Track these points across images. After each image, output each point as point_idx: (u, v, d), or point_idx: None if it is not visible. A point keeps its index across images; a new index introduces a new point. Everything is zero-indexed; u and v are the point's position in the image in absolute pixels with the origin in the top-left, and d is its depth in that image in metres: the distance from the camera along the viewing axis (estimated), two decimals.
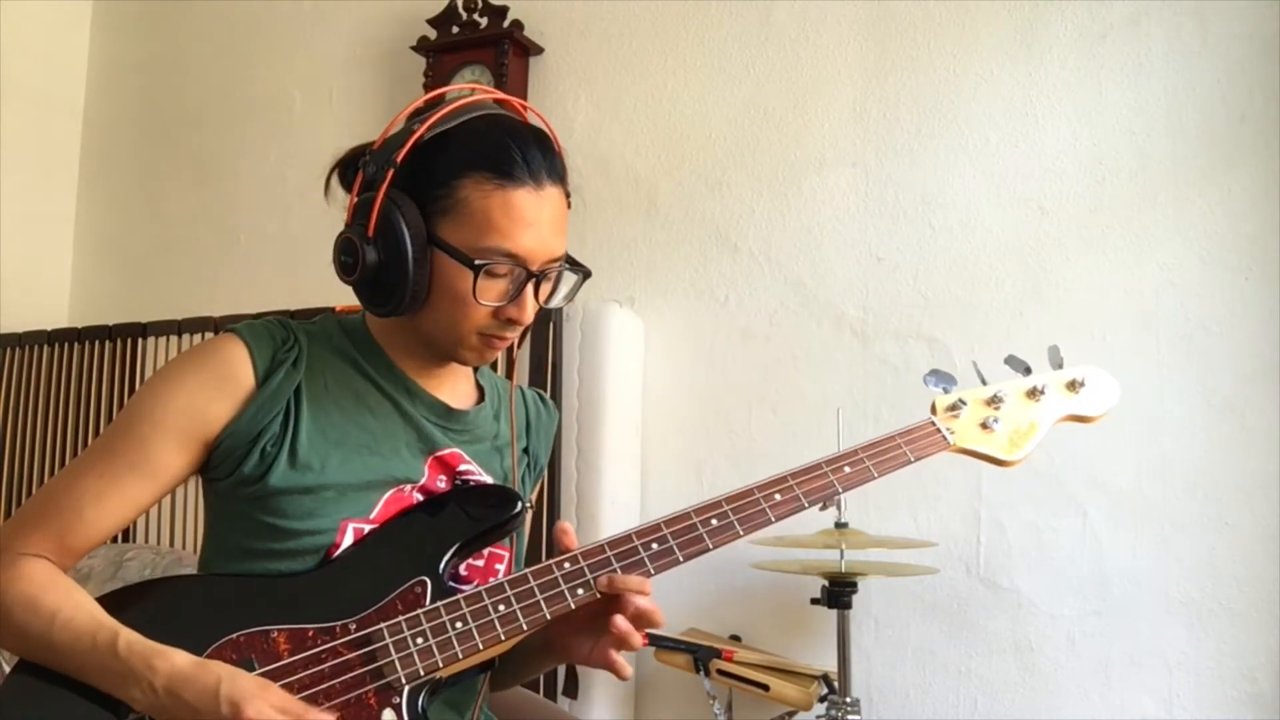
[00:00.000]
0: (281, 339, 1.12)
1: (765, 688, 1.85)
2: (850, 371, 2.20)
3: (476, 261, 1.05)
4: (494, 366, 1.31)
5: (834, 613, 1.88)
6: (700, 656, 1.87)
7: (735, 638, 2.09)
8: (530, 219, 1.07)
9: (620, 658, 1.07)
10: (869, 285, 2.21)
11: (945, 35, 2.19)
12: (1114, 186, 2.04)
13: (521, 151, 1.07)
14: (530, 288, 1.08)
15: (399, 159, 1.07)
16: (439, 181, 1.07)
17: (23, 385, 2.81)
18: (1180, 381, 1.95)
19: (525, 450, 1.27)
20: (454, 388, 1.21)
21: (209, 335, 2.53)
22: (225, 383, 1.08)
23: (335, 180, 1.18)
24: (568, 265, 1.13)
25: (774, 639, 2.09)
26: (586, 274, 1.15)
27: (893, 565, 1.97)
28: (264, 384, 1.08)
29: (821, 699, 1.87)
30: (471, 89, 1.14)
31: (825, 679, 1.89)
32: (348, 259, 1.08)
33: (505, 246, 1.06)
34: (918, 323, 2.16)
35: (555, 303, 1.15)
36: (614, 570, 1.07)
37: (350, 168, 1.15)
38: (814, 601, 1.90)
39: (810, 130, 2.30)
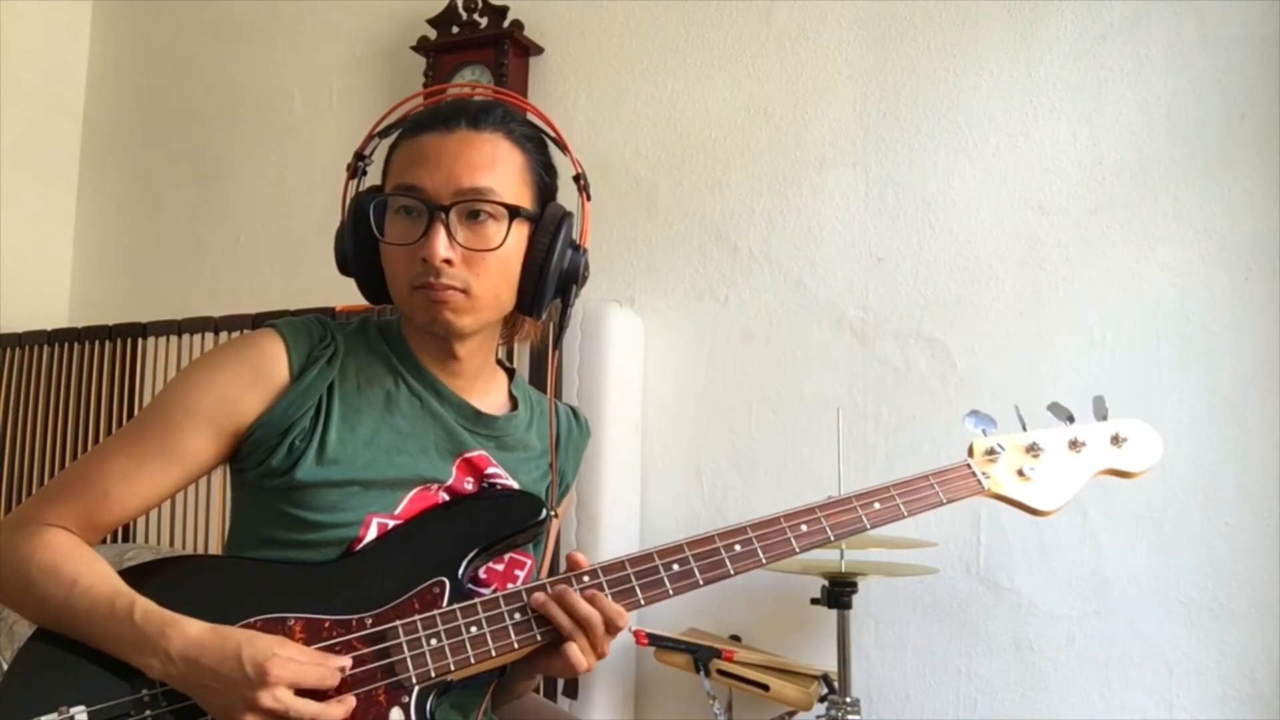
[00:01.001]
0: (319, 336, 1.14)
1: (765, 688, 1.85)
2: (850, 371, 2.20)
3: (376, 199, 1.11)
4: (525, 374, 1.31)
5: (834, 613, 1.88)
6: (700, 656, 1.87)
7: (735, 638, 2.09)
8: (431, 155, 1.09)
9: (574, 651, 1.04)
10: (869, 285, 2.21)
11: (945, 35, 2.19)
12: (1114, 186, 2.04)
13: (443, 109, 1.12)
14: (440, 226, 1.07)
15: (363, 150, 1.17)
16: (387, 158, 1.15)
17: (23, 385, 2.81)
18: (1180, 381, 1.95)
19: (551, 464, 1.27)
20: (485, 395, 1.22)
21: (209, 335, 2.55)
22: (260, 376, 1.10)
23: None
24: (487, 201, 1.08)
25: (774, 639, 2.09)
26: (514, 211, 1.10)
27: (893, 565, 1.97)
28: (298, 379, 1.10)
29: (821, 699, 1.87)
30: (471, 87, 1.16)
31: (825, 679, 1.89)
32: (335, 250, 1.17)
33: (403, 181, 1.10)
34: (918, 323, 2.16)
35: (499, 245, 1.09)
36: (633, 587, 1.07)
37: None
38: (814, 601, 1.90)
39: (810, 130, 2.30)
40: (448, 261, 1.07)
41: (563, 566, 1.11)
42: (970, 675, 2.04)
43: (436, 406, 1.16)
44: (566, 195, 1.22)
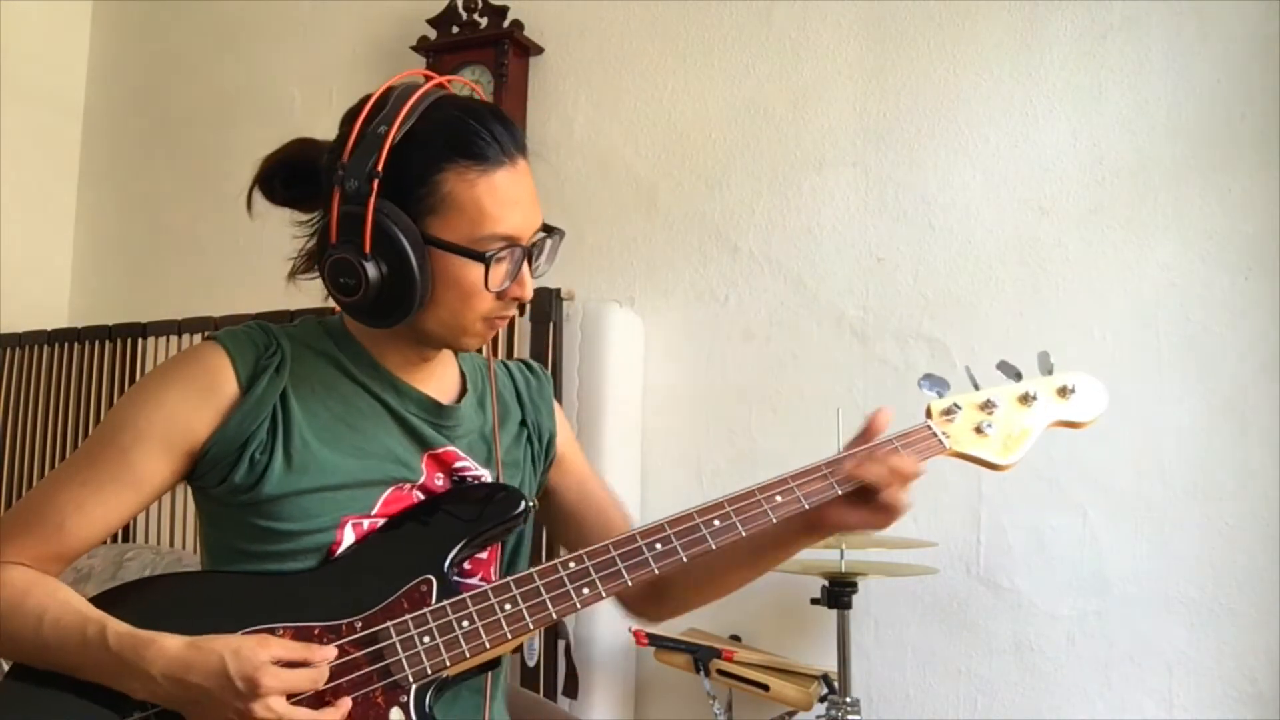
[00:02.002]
0: (264, 345, 1.11)
1: (765, 688, 1.85)
2: (850, 371, 2.20)
3: (486, 253, 1.05)
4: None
5: (834, 613, 1.88)
6: (700, 656, 1.87)
7: (735, 638, 2.09)
8: (515, 197, 1.08)
9: (894, 494, 1.12)
10: (869, 285, 2.21)
11: (945, 35, 2.19)
12: (1114, 186, 2.04)
13: (488, 130, 1.07)
14: (528, 266, 1.10)
15: (379, 168, 1.03)
16: (419, 180, 1.05)
17: (23, 385, 2.81)
18: (1180, 381, 1.95)
19: (524, 423, 1.26)
20: (441, 381, 1.20)
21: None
22: (208, 391, 1.07)
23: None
24: (547, 232, 1.14)
25: (774, 639, 2.10)
26: (561, 234, 1.15)
27: (893, 565, 1.97)
28: (248, 391, 1.07)
29: (821, 699, 1.87)
30: (425, 75, 1.15)
31: (825, 679, 1.89)
32: (348, 280, 1.05)
33: (501, 231, 1.06)
34: (918, 323, 2.16)
35: (541, 270, 1.15)
36: (619, 569, 1.07)
37: (294, 177, 1.14)
38: (814, 601, 1.90)
39: (810, 130, 2.30)
40: None
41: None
42: (970, 675, 2.04)
43: (397, 406, 1.14)
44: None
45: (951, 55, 2.19)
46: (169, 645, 0.96)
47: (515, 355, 2.18)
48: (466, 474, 1.17)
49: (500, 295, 1.08)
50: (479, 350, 1.21)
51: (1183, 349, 1.96)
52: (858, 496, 1.13)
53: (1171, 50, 2.02)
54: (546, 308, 2.18)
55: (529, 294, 1.11)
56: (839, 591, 1.86)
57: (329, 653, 0.99)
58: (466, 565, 1.14)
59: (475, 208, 1.05)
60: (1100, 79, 2.07)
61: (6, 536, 1.06)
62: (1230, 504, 1.90)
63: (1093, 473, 1.99)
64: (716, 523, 1.12)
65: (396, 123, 1.05)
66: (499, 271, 1.07)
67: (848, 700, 1.84)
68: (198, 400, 1.07)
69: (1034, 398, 1.21)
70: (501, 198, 1.06)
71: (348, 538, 1.08)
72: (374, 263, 1.04)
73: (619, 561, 1.08)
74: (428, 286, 1.06)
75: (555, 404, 1.33)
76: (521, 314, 1.24)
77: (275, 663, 0.95)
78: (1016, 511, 2.04)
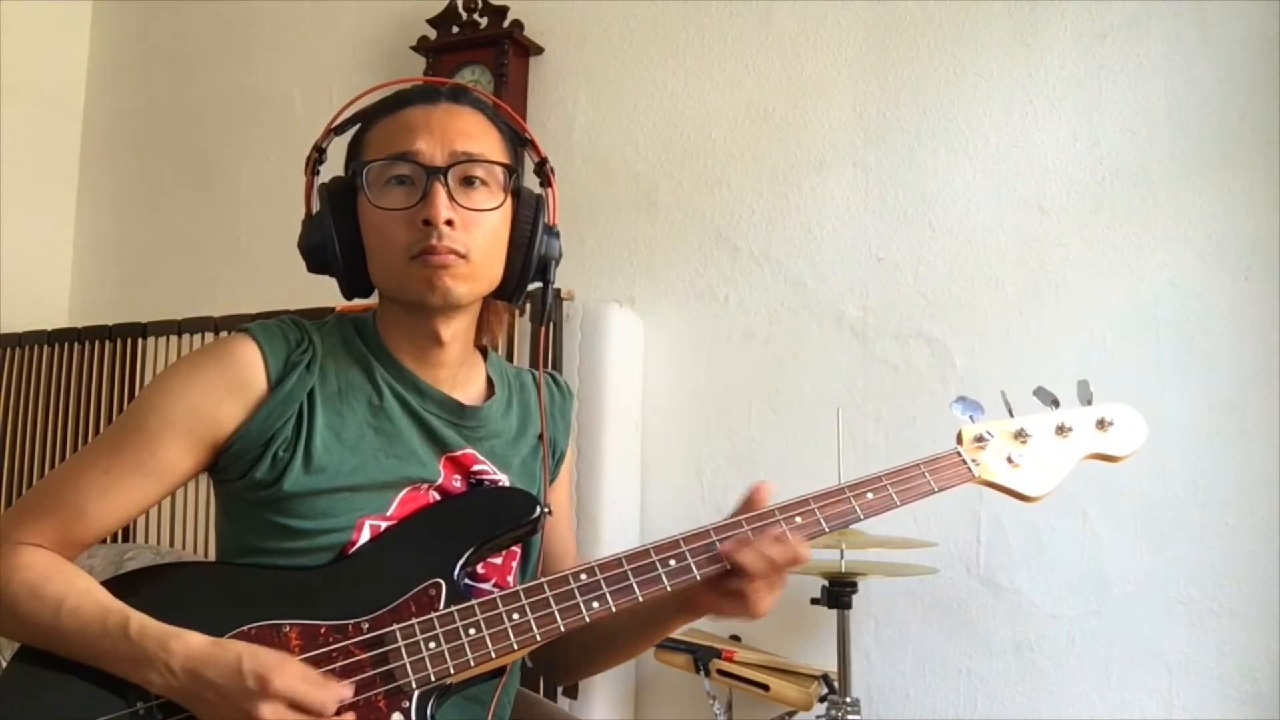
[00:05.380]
0: (296, 340, 1.11)
1: (765, 688, 1.85)
2: (850, 371, 2.20)
3: (368, 165, 1.09)
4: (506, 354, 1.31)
5: (834, 613, 1.88)
6: (700, 656, 1.87)
7: (735, 638, 2.09)
8: (418, 125, 1.10)
9: (757, 589, 1.07)
10: (869, 285, 2.21)
11: (945, 35, 2.19)
12: (1114, 186, 2.04)
13: (414, 89, 1.13)
14: (440, 187, 1.07)
15: (322, 144, 1.16)
16: (357, 144, 1.14)
17: (23, 385, 2.81)
18: (1180, 381, 1.95)
19: (541, 436, 1.25)
20: (467, 384, 1.20)
21: (209, 335, 2.54)
22: (237, 385, 1.07)
23: None
24: (484, 161, 1.10)
25: (774, 639, 2.09)
26: (509, 168, 1.12)
27: (893, 565, 1.97)
28: (277, 387, 1.07)
29: (821, 699, 1.87)
30: (440, 81, 1.18)
31: (825, 679, 1.89)
32: (301, 244, 1.14)
33: (392, 150, 1.09)
34: (918, 323, 2.16)
35: (498, 205, 1.10)
36: (630, 584, 1.05)
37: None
38: (814, 601, 1.89)
39: (810, 130, 2.30)
40: (449, 223, 1.06)
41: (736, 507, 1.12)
42: (970, 675, 2.04)
43: (418, 406, 1.13)
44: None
45: (951, 55, 2.19)
46: (192, 640, 0.97)
47: (515, 356, 2.18)
48: (484, 477, 1.16)
49: (411, 223, 1.07)
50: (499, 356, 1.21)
51: (1183, 349, 1.96)
52: (727, 578, 1.07)
53: (1171, 50, 2.02)
54: (546, 308, 2.17)
55: (438, 213, 1.05)
56: (839, 591, 1.85)
57: (344, 692, 0.98)
58: (479, 569, 1.14)
59: (372, 144, 1.12)
60: (1100, 79, 2.06)
61: (26, 518, 1.06)
62: (1230, 504, 1.90)
63: (1093, 473, 1.96)
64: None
65: (343, 109, 1.15)
66: (398, 193, 1.09)
67: (848, 700, 1.84)
68: (225, 393, 1.06)
69: (1070, 429, 1.19)
70: (401, 125, 1.11)
71: (363, 538, 1.08)
72: (314, 225, 1.13)
73: (631, 577, 1.06)
74: (349, 232, 1.10)
75: (572, 428, 1.32)
76: (545, 330, 1.23)
77: (294, 677, 0.95)
78: (1016, 511, 2.03)
